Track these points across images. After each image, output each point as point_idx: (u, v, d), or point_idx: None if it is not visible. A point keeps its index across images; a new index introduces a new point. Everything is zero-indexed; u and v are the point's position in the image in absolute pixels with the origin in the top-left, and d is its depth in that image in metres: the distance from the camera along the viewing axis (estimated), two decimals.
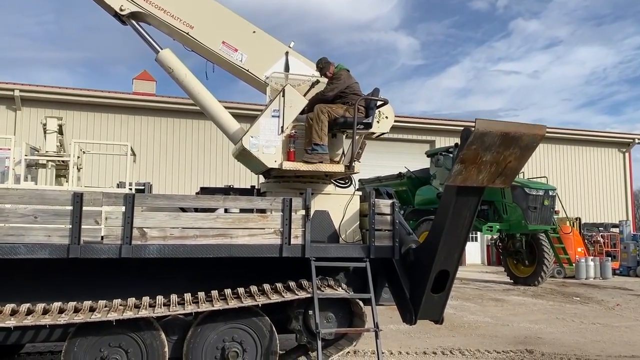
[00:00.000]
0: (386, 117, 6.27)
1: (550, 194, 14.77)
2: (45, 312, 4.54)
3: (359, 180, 17.01)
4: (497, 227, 14.63)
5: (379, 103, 5.98)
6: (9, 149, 8.23)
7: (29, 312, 4.51)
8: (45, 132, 9.55)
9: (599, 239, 20.90)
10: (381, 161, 19.52)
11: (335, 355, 5.19)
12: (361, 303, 5.27)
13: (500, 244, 16.34)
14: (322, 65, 6.11)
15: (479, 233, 22.80)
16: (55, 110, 18.03)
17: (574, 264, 16.82)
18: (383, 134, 6.38)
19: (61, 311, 4.55)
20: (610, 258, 18.91)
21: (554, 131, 26.55)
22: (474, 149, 4.44)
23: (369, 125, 5.90)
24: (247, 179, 17.99)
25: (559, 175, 25.86)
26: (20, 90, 18.60)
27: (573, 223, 18.54)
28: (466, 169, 4.58)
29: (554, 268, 15.94)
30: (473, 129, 4.41)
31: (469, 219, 5.01)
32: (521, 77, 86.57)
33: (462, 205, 4.91)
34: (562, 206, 16.12)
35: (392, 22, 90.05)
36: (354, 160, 5.77)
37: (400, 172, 17.35)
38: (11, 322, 4.28)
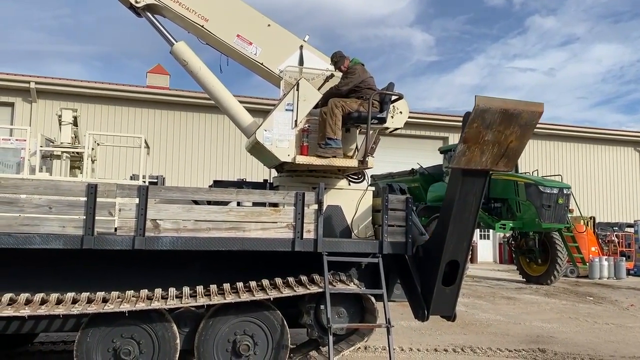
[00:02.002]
0: (400, 112, 6.21)
1: (565, 192, 14.62)
2: (59, 302, 4.56)
3: (371, 176, 16.93)
4: (511, 224, 14.51)
5: (393, 98, 5.93)
6: (25, 140, 8.30)
7: (43, 302, 4.54)
8: (60, 124, 9.62)
9: (613, 238, 20.69)
10: (393, 157, 19.46)
11: (347, 350, 5.17)
12: (373, 299, 5.25)
13: (513, 242, 16.23)
14: (337, 59, 6.07)
15: (491, 231, 22.69)
16: (70, 103, 18.18)
17: (587, 264, 16.66)
18: (397, 129, 6.33)
19: (74, 301, 4.58)
20: (624, 258, 18.70)
21: (569, 129, 26.33)
22: (475, 127, 4.47)
23: (383, 120, 5.86)
24: (260, 173, 18.03)
25: (574, 173, 25.62)
26: (36, 83, 18.80)
27: (587, 222, 18.36)
28: (469, 149, 4.61)
29: (567, 267, 15.79)
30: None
31: (475, 206, 5.02)
32: (536, 75, 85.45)
33: (468, 191, 4.92)
34: (577, 205, 15.96)
35: (407, 18, 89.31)
36: (368, 155, 5.73)
37: (412, 169, 17.28)
38: (25, 311, 4.31)
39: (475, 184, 4.91)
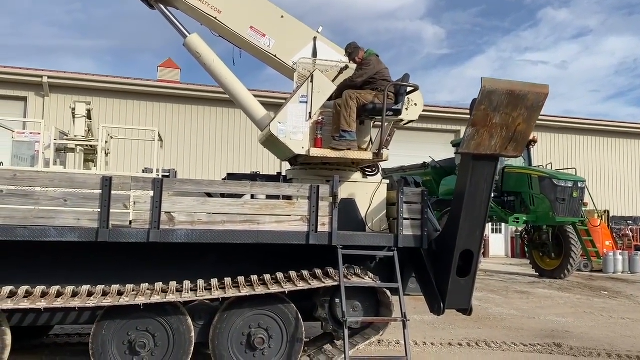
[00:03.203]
0: (415, 104, 6.14)
1: (579, 185, 14.44)
2: (75, 294, 4.57)
3: (382, 170, 16.76)
4: (524, 218, 14.36)
5: (409, 89, 5.86)
6: (39, 134, 8.34)
7: (59, 295, 4.55)
8: (74, 117, 9.65)
9: (627, 232, 20.46)
10: (405, 151, 19.33)
11: (362, 344, 5.14)
12: (388, 292, 5.21)
13: (526, 235, 16.07)
14: (351, 50, 6.00)
15: (503, 224, 22.52)
16: (82, 97, 18.21)
17: (601, 258, 16.48)
18: (412, 121, 6.26)
19: (90, 294, 4.58)
20: (639, 252, 18.47)
21: (583, 122, 26.04)
22: (483, 109, 4.53)
23: (398, 112, 5.80)
24: (272, 166, 18.02)
25: (588, 166, 25.33)
26: (49, 77, 18.84)
27: (601, 216, 18.15)
28: (478, 133, 4.65)
29: (581, 261, 15.63)
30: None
31: (487, 193, 5.03)
32: (548, 68, 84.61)
33: (479, 178, 4.94)
34: (591, 198, 15.76)
35: (417, 11, 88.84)
36: (383, 148, 5.67)
37: (424, 162, 17.17)
38: (42, 304, 4.32)
39: (485, 170, 4.93)
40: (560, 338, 7.31)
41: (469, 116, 4.75)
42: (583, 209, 14.92)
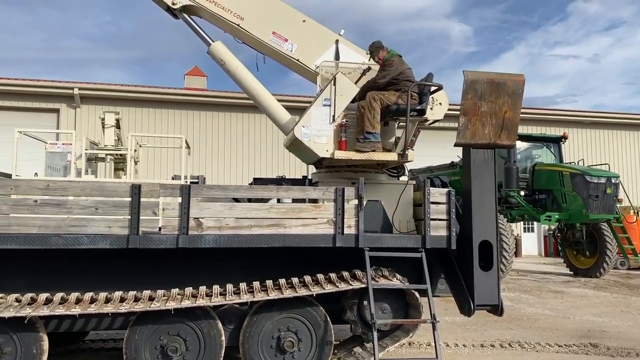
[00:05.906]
0: (440, 104, 6.10)
1: (613, 181, 14.08)
2: (107, 300, 4.67)
3: (410, 171, 16.58)
4: (556, 216, 14.07)
5: (432, 89, 5.82)
6: (71, 144, 8.56)
7: (92, 301, 4.66)
8: (103, 127, 9.87)
9: None
10: (432, 151, 19.16)
11: (391, 346, 5.11)
12: (417, 294, 5.17)
13: (559, 234, 15.75)
14: (373, 49, 6.00)
15: (535, 223, 22.09)
16: (112, 107, 18.61)
17: (638, 255, 16.00)
18: (436, 120, 6.21)
19: (122, 300, 4.67)
20: None
21: (616, 116, 25.38)
22: (470, 98, 5.08)
23: (422, 112, 5.76)
24: (298, 170, 18.09)
25: (622, 161, 24.67)
26: (80, 89, 19.31)
27: (638, 212, 17.63)
28: (470, 122, 5.13)
29: (617, 259, 15.22)
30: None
31: (492, 182, 5.32)
32: (580, 62, 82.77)
33: (481, 168, 5.29)
34: (626, 194, 15.35)
35: (444, 9, 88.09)
36: (408, 148, 5.64)
37: (452, 162, 16.96)
38: (76, 310, 4.43)
39: (485, 160, 5.29)
40: (596, 338, 7.14)
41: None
42: (618, 205, 14.54)
